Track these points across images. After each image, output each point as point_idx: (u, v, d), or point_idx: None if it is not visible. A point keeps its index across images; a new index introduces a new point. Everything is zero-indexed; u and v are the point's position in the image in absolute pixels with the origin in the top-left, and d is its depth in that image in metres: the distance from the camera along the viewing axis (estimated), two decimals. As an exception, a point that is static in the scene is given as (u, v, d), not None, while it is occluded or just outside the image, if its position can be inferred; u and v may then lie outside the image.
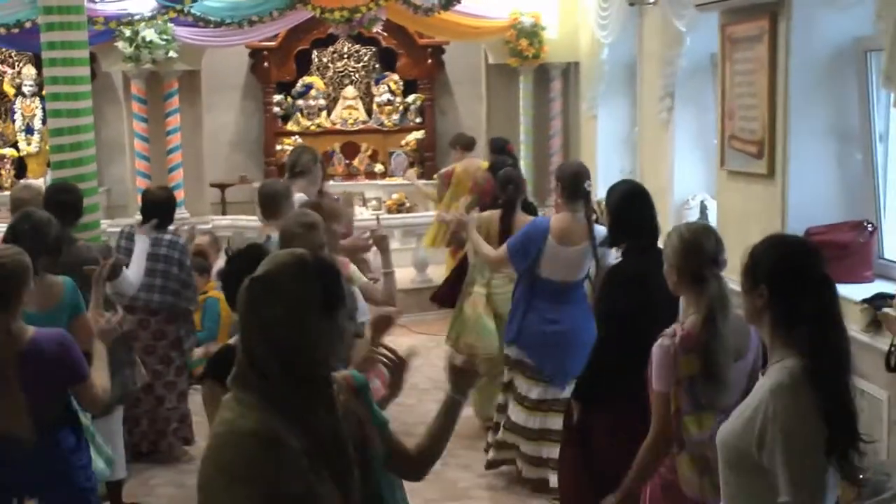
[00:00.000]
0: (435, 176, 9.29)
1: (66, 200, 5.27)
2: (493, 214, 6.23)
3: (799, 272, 2.54)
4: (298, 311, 2.14)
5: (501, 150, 8.20)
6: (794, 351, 2.50)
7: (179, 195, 10.42)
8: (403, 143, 12.48)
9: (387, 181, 12.35)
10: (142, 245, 5.87)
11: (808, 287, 2.52)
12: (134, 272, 5.73)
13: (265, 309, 2.15)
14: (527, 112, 11.00)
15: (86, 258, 4.88)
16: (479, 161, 8.86)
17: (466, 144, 9.27)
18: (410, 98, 12.57)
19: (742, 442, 2.50)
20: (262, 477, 2.05)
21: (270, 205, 5.63)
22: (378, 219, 5.41)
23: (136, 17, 9.77)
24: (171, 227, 6.24)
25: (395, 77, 12.59)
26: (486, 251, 5.75)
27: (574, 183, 5.38)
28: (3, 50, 11.98)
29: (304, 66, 12.62)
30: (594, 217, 5.45)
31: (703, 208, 7.48)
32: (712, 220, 7.02)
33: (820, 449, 2.41)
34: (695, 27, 6.98)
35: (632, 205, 4.36)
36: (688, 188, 7.70)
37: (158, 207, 6.12)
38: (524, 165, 10.41)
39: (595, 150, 9.87)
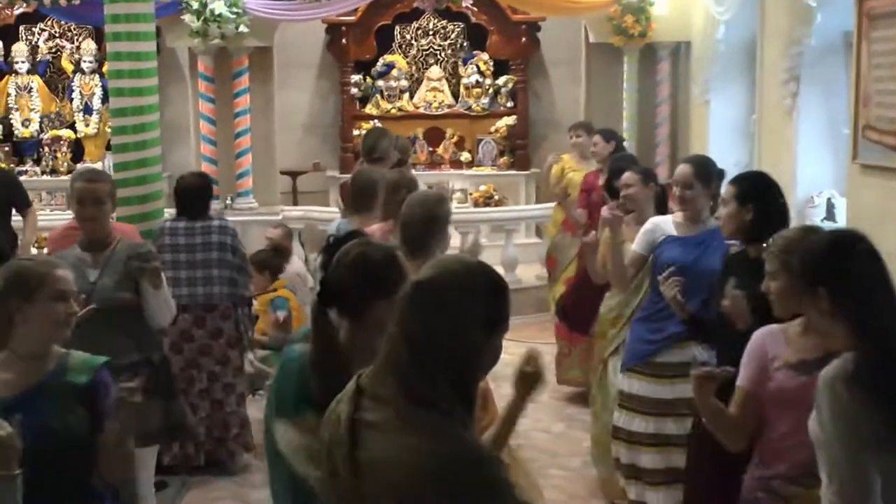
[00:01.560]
0: (553, 185, 8.81)
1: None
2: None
3: (856, 268, 2.76)
4: (465, 323, 2.20)
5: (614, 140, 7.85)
6: (853, 342, 2.70)
7: (247, 183, 10.66)
8: (493, 129, 12.50)
9: (474, 171, 12.39)
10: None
11: (864, 281, 2.74)
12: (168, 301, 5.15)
13: (430, 317, 2.19)
14: (631, 97, 10.93)
15: (129, 254, 4.76)
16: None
17: (620, 144, 8.26)
18: (501, 80, 12.58)
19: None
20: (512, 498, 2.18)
21: (365, 196, 5.48)
22: (477, 243, 5.19)
23: (206, -11, 9.98)
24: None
25: (485, 56, 12.61)
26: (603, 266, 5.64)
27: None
28: (63, 23, 12.35)
29: (385, 43, 12.72)
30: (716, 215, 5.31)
31: (831, 207, 7.36)
32: (841, 220, 6.89)
33: (871, 441, 2.61)
34: (827, 1, 6.86)
35: (776, 194, 4.30)
36: (813, 184, 7.58)
37: (198, 194, 6.23)
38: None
39: (707, 141, 9.77)
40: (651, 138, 11.00)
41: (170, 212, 6.62)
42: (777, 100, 7.88)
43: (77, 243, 4.87)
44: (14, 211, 7.72)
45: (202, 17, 10.05)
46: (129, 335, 4.79)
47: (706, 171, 5.16)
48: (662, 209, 5.71)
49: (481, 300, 2.22)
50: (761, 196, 4.27)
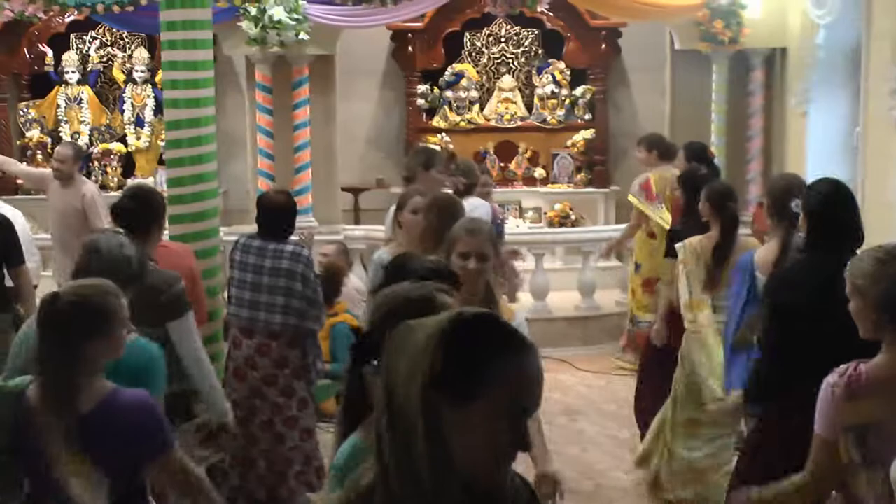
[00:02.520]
0: (631, 197, 8.87)
1: (133, 208, 5.26)
2: (706, 241, 6.11)
3: None
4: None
5: (699, 156, 7.82)
6: None
7: (307, 200, 10.71)
8: (569, 143, 12.46)
9: (549, 188, 12.35)
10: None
11: None
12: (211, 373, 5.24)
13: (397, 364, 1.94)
14: (720, 108, 10.83)
15: (154, 284, 4.77)
16: (674, 170, 8.31)
17: (666, 151, 8.72)
18: (579, 90, 12.54)
19: None
20: None
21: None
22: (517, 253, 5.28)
23: (265, -7, 10.08)
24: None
25: (562, 65, 12.59)
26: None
27: (783, 200, 5.28)
28: (114, 31, 12.58)
29: (454, 51, 12.77)
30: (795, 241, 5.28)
31: (944, 228, 7.21)
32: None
33: None
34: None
35: (838, 205, 4.40)
36: (924, 203, 7.43)
37: (280, 215, 6.27)
38: (716, 173, 10.23)
39: (804, 156, 9.64)
40: (742, 153, 10.88)
41: (225, 230, 6.67)
42: (884, 110, 7.76)
43: None
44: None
45: (260, 24, 10.13)
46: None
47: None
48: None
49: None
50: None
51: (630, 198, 8.79)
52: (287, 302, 6.20)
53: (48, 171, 8.97)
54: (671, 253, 6.60)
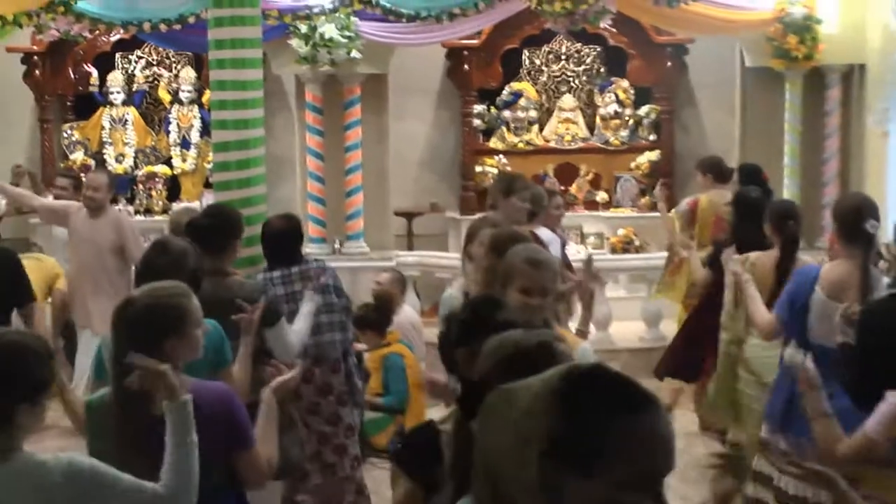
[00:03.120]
0: (673, 212, 9.08)
1: (207, 225, 5.52)
2: (765, 258, 6.10)
3: None
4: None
5: (753, 179, 7.91)
6: None
7: (358, 225, 10.76)
8: (633, 165, 12.41)
9: (611, 212, 12.30)
10: (310, 304, 5.98)
11: None
12: (298, 332, 5.79)
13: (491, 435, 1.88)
14: (793, 129, 10.74)
15: (237, 297, 5.04)
16: (728, 193, 8.38)
17: (721, 174, 8.83)
18: (643, 110, 12.49)
19: None
20: None
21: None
22: (590, 258, 5.30)
23: (315, 10, 10.16)
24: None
25: (625, 84, 12.55)
26: (758, 317, 5.69)
27: (854, 221, 5.20)
28: (160, 50, 12.74)
29: (512, 69, 12.77)
30: (880, 265, 5.25)
31: None
32: None
33: None
34: None
35: None
36: None
37: (284, 240, 6.27)
38: (789, 196, 10.12)
39: (885, 179, 9.55)
40: (817, 176, 10.77)
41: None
42: (971, 131, 7.65)
43: None
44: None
45: (311, 42, 10.21)
46: None
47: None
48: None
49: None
50: None
51: (673, 212, 8.97)
52: (331, 318, 6.25)
53: (71, 203, 8.48)
54: (714, 264, 6.89)
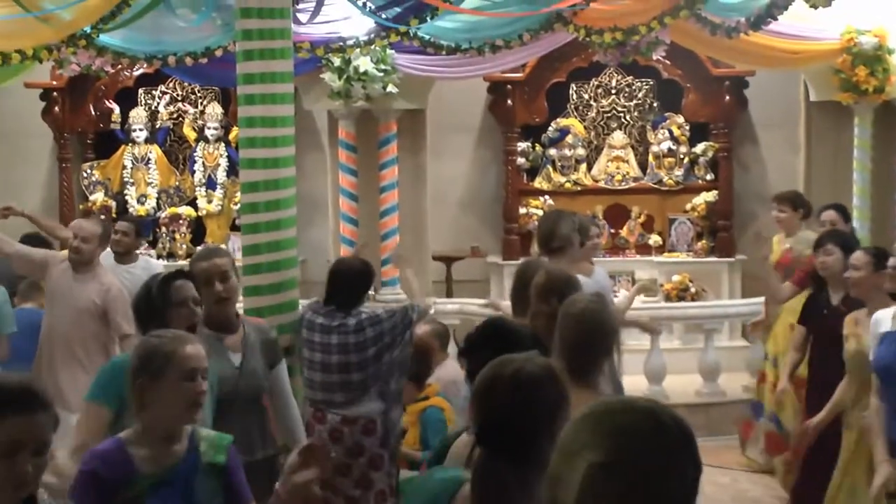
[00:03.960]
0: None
1: None
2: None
3: None
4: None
5: (846, 217, 7.99)
6: None
7: (393, 270, 10.73)
8: (689, 206, 12.34)
9: (665, 257, 12.23)
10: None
11: None
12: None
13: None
14: (863, 167, 10.69)
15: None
16: (810, 233, 8.33)
17: (809, 212, 8.77)
18: (700, 147, 12.45)
19: None
20: None
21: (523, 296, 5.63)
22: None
23: (349, 42, 10.18)
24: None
25: (680, 119, 12.52)
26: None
27: None
28: (186, 85, 12.84)
29: (558, 104, 12.77)
30: None
31: None
32: None
33: None
34: None
35: None
36: None
37: (353, 282, 6.29)
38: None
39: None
40: (888, 218, 10.69)
41: (304, 303, 6.70)
42: None
43: (202, 323, 5.06)
44: None
45: (344, 76, 10.27)
46: (260, 427, 5.41)
47: None
48: None
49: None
50: None
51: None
52: (362, 378, 6.24)
53: (53, 253, 7.98)
54: (809, 320, 6.83)
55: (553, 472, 2.01)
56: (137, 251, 8.88)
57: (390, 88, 10.36)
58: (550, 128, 12.66)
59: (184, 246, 12.42)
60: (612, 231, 12.57)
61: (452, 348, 7.78)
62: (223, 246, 11.29)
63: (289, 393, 5.72)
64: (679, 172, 12.51)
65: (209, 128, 12.64)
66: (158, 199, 12.69)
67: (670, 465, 1.96)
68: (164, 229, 12.54)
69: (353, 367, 6.23)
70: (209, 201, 12.57)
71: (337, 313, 6.27)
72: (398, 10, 9.64)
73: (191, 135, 12.79)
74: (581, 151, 12.68)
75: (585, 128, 12.85)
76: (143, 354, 3.73)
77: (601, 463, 1.94)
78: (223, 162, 12.56)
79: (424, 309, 6.73)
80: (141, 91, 12.89)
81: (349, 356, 6.23)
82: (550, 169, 12.65)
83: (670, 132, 12.53)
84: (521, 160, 12.57)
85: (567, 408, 2.94)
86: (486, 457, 2.79)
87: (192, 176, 12.70)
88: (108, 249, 7.98)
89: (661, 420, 1.99)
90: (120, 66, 10.95)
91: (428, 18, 9.54)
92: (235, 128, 11.41)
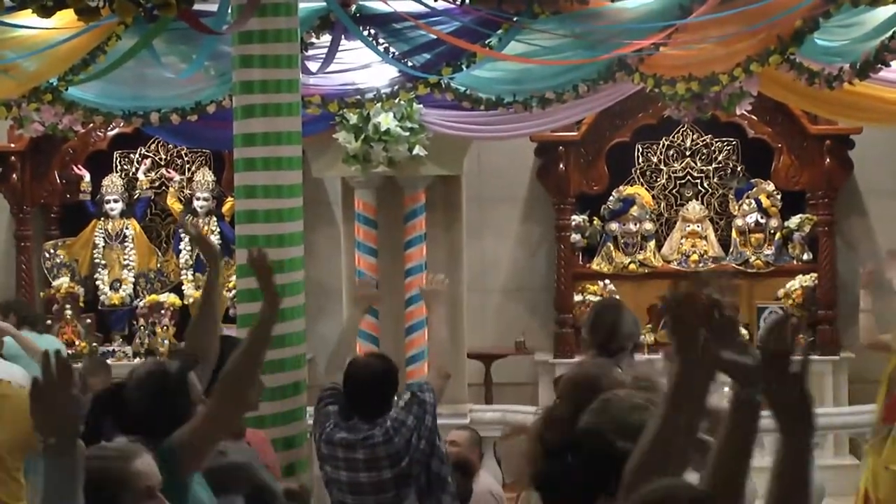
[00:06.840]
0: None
1: None
2: None
3: None
4: None
5: None
6: None
7: (422, 371, 10.72)
8: (781, 293, 12.35)
9: (754, 354, 12.19)
10: None
11: None
12: None
13: None
14: None
15: None
16: None
17: None
18: (794, 221, 12.48)
19: None
20: None
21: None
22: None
23: (368, 95, 10.20)
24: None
25: (770, 187, 12.56)
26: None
27: None
28: (171, 147, 12.92)
29: (620, 169, 12.83)
30: None
31: None
32: None
33: None
34: None
35: None
36: None
37: (374, 387, 6.32)
38: None
39: None
40: None
41: (309, 410, 6.74)
42: None
43: None
44: None
45: (363, 136, 10.23)
46: None
47: None
48: None
49: None
50: None
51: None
52: (398, 494, 6.31)
53: None
54: None
55: None
56: None
57: (418, 151, 10.31)
58: (611, 198, 12.70)
59: (166, 341, 12.38)
60: (689, 323, 12.55)
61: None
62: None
63: None
64: (769, 251, 12.54)
65: (198, 198, 12.69)
66: (136, 284, 12.73)
67: None
68: (142, 321, 12.55)
69: (386, 484, 6.25)
70: (197, 287, 12.52)
71: (361, 425, 6.29)
72: (427, 56, 9.67)
73: (176, 207, 12.82)
74: (649, 226, 12.71)
75: (654, 197, 12.89)
76: (89, 483, 3.66)
77: None
78: (215, 239, 12.56)
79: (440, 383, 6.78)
80: (116, 155, 12.99)
81: (381, 473, 6.25)
82: (611, 247, 12.67)
83: (758, 202, 12.57)
84: (575, 237, 12.59)
85: None
86: None
87: (177, 256, 12.76)
88: None
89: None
90: (92, 126, 11.02)
91: (464, 66, 9.56)
92: (230, 199, 11.53)
